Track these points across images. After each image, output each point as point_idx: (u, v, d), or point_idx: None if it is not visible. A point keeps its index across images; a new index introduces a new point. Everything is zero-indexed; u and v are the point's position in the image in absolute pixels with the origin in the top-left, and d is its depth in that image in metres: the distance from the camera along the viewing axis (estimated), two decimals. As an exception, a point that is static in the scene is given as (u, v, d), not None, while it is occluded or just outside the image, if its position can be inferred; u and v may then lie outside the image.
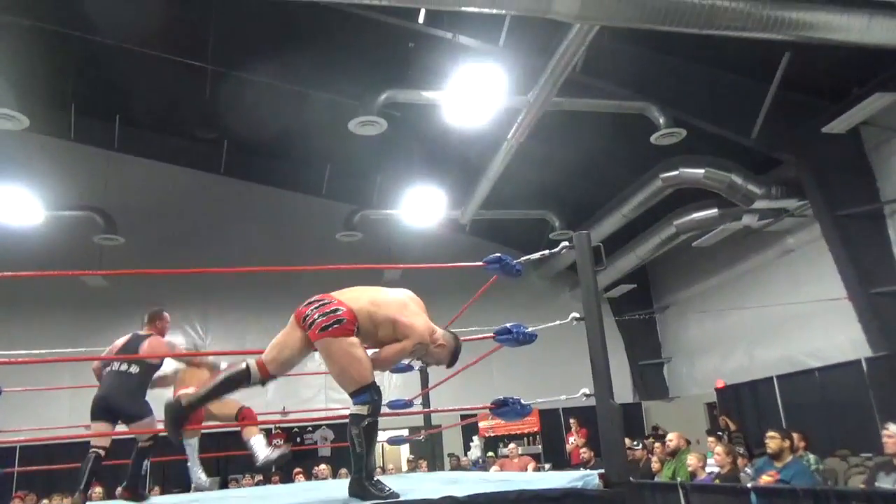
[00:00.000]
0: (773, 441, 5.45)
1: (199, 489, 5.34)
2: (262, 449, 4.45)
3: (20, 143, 9.91)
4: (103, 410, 4.14)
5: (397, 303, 2.96)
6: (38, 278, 10.66)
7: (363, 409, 2.69)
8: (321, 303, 2.81)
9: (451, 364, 3.08)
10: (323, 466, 8.98)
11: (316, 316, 2.76)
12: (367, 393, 2.71)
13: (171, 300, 11.87)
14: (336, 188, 12.35)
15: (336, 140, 9.95)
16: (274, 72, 9.29)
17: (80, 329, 11.17)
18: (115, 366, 4.24)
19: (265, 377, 2.87)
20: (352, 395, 2.72)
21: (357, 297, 2.87)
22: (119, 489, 4.42)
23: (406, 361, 2.96)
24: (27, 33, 8.26)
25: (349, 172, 11.94)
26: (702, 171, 8.53)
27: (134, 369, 4.24)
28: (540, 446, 12.29)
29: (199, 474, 5.40)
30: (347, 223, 11.20)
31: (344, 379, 2.75)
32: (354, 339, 2.76)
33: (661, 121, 8.10)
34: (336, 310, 2.76)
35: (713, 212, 9.47)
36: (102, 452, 4.08)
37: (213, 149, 11.64)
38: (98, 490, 8.25)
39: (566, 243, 3.36)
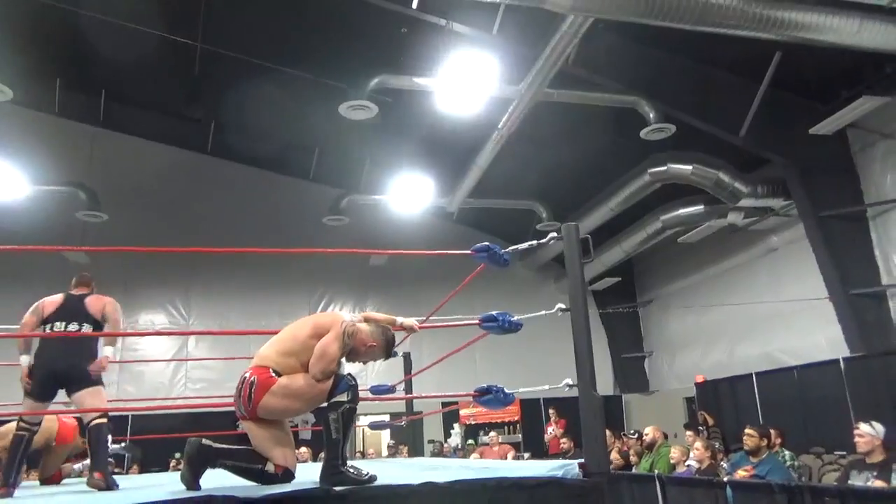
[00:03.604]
0: (750, 439, 5.53)
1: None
2: None
3: (3, 115, 9.74)
4: (47, 380, 3.86)
5: (293, 336, 2.96)
6: (20, 253, 10.51)
7: (343, 397, 2.75)
8: (238, 393, 2.86)
9: (386, 357, 3.08)
10: (303, 450, 8.98)
11: (240, 406, 2.84)
12: (340, 384, 2.77)
13: (153, 278, 11.85)
14: (324, 172, 12.28)
15: (326, 123, 9.87)
16: (264, 52, 9.19)
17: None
18: (59, 326, 3.92)
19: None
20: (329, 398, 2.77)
21: (259, 354, 2.95)
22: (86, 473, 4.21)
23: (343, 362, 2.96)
24: (11, 3, 8.09)
25: (338, 156, 11.87)
26: (690, 167, 8.57)
27: (85, 327, 3.97)
28: (520, 435, 12.37)
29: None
30: (334, 207, 11.15)
31: (311, 403, 2.84)
32: (281, 380, 2.82)
33: (652, 116, 8.12)
34: (243, 380, 2.85)
35: (699, 208, 9.53)
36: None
37: (199, 128, 11.51)
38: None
39: (554, 234, 3.37)
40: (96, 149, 11.05)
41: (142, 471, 8.99)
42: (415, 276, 11.71)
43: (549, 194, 11.39)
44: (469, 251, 3.53)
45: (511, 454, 9.76)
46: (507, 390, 3.21)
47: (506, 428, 12.34)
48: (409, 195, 10.49)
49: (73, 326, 3.95)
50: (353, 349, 2.92)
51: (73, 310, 4.01)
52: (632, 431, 9.14)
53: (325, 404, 2.77)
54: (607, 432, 6.12)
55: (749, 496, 4.57)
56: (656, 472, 6.45)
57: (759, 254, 10.33)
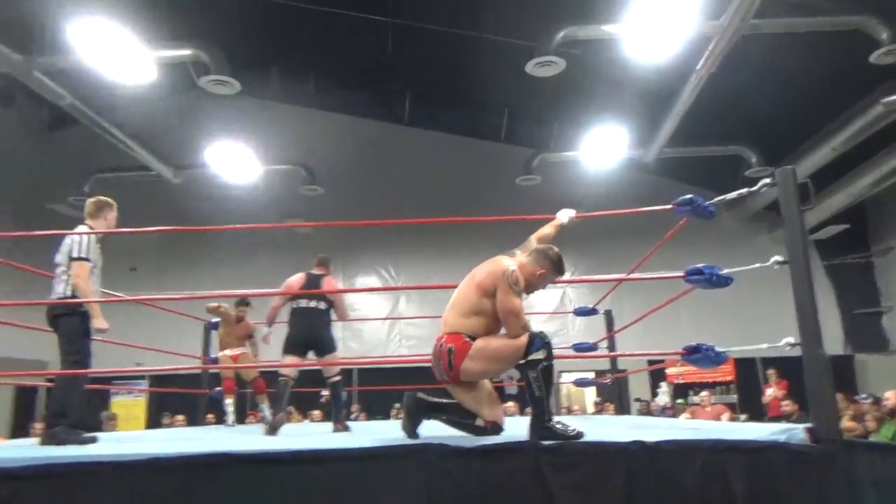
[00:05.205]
0: None
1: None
2: (267, 413, 5.93)
3: (233, 105, 11.08)
4: (301, 344, 4.73)
5: (465, 298, 3.05)
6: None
7: (539, 355, 2.78)
8: (436, 359, 2.99)
9: (560, 274, 3.12)
10: (510, 404, 9.30)
11: (440, 373, 2.99)
12: (534, 342, 2.80)
13: (365, 245, 12.86)
14: (515, 132, 12.33)
15: (514, 83, 9.88)
16: (450, 19, 9.37)
17: (293, 270, 12.46)
18: (304, 303, 4.75)
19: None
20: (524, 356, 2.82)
21: (446, 321, 3.06)
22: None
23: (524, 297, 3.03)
24: (235, 3, 9.08)
25: (527, 116, 11.84)
26: (937, 91, 7.31)
27: (322, 305, 4.78)
28: (735, 396, 11.68)
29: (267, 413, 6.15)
30: (527, 167, 11.18)
31: (509, 363, 2.90)
32: (477, 343, 2.91)
33: (884, 36, 7.01)
34: (439, 348, 2.97)
35: (951, 139, 8.12)
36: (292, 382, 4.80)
37: (397, 100, 12.13)
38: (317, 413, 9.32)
39: (767, 180, 3.10)
40: (311, 129, 12.18)
41: (368, 419, 9.95)
42: (612, 232, 11.39)
43: (759, 137, 10.39)
44: (671, 206, 3.37)
45: (726, 415, 9.25)
46: (718, 349, 3.06)
47: (718, 388, 11.71)
48: (602, 149, 10.18)
49: (313, 303, 4.77)
50: (527, 283, 3.02)
51: (314, 289, 4.83)
52: (865, 395, 8.21)
53: (522, 361, 2.83)
54: (838, 395, 5.57)
55: None
56: (899, 440, 5.76)
57: None
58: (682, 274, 3.25)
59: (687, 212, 3.37)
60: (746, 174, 10.20)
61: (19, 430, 11.15)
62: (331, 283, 4.99)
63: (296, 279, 4.92)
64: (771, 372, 10.05)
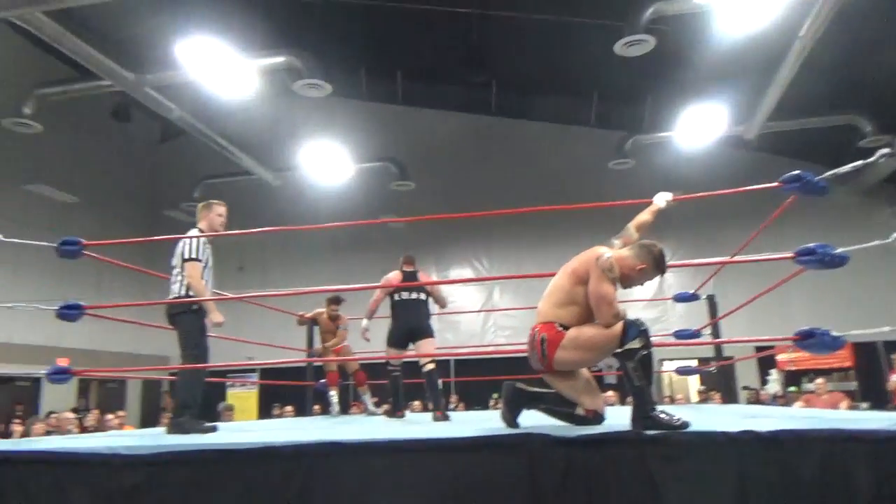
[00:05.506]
0: None
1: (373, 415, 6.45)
2: (369, 403, 6.51)
3: (326, 107, 11.44)
4: (404, 334, 5.03)
5: (560, 287, 3.01)
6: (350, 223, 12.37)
7: (635, 343, 2.70)
8: (531, 349, 2.97)
9: (661, 273, 2.98)
10: (610, 393, 9.14)
11: (535, 362, 2.97)
12: (630, 330, 2.72)
13: (457, 237, 12.98)
14: (605, 116, 12.05)
15: (602, 66, 9.65)
16: (534, 5, 9.26)
17: (388, 265, 12.78)
18: (406, 295, 5.07)
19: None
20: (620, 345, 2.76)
21: (540, 311, 3.03)
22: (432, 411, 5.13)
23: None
24: (323, 7, 9.36)
25: (618, 98, 11.53)
26: None
27: (423, 296, 5.12)
28: (854, 383, 10.94)
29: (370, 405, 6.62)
30: (619, 150, 10.90)
31: (604, 352, 2.84)
32: (570, 333, 2.87)
33: None
34: (533, 337, 2.94)
35: None
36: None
37: (483, 91, 12.13)
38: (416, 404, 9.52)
39: (884, 150, 2.89)
40: (400, 125, 12.40)
41: (466, 409, 10.07)
42: (713, 214, 10.93)
43: (873, 104, 9.63)
44: (777, 183, 3.20)
45: (844, 404, 8.68)
46: (834, 333, 2.88)
47: (834, 375, 10.99)
48: (698, 127, 9.76)
49: (414, 294, 5.09)
50: (624, 276, 2.91)
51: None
52: None
53: (619, 351, 2.75)
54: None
55: None
56: None
57: None
58: (791, 255, 3.09)
59: (795, 188, 3.20)
60: (860, 145, 9.50)
61: (147, 419, 12.09)
62: (426, 276, 5.32)
63: (393, 275, 5.20)
64: (894, 356, 9.34)
